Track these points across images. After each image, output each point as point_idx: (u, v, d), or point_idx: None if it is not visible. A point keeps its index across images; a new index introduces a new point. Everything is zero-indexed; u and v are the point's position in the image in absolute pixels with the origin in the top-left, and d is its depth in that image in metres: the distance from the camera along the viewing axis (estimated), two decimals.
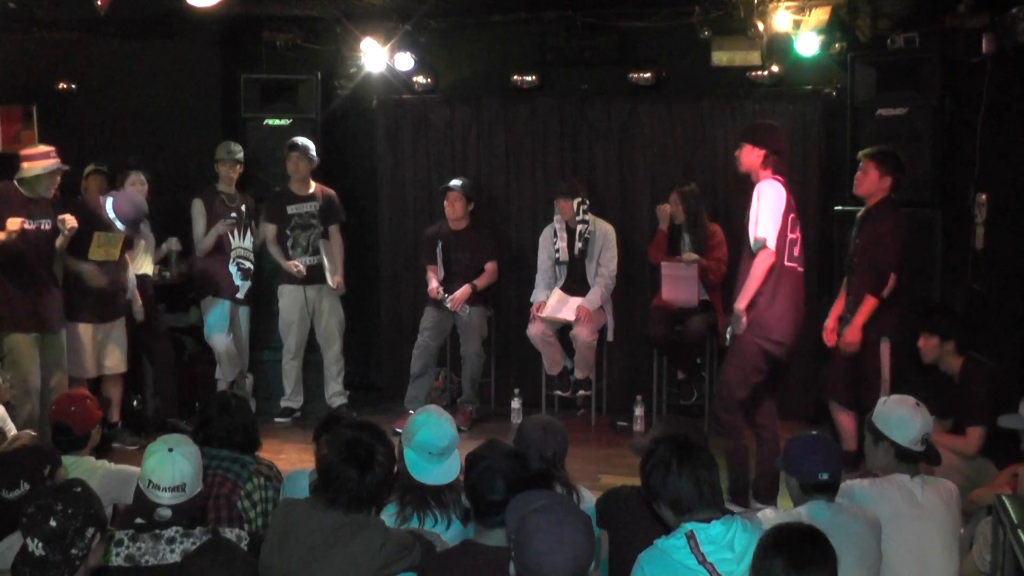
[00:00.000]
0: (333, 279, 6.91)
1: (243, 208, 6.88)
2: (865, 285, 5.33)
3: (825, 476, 3.38)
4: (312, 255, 6.93)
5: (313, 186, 6.99)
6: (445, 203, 6.94)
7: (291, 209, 6.92)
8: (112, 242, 6.07)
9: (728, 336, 5.18)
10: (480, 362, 6.99)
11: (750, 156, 5.07)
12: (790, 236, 5.05)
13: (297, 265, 6.85)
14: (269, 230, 6.96)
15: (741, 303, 5.00)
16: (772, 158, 5.05)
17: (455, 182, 6.95)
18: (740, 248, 6.82)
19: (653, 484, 2.98)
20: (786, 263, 5.04)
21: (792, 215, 5.05)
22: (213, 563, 2.67)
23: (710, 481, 2.94)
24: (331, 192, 7.07)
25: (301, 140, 6.92)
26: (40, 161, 5.66)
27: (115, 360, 6.28)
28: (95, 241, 5.97)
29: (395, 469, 3.32)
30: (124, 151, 6.75)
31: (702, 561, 2.81)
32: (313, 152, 6.90)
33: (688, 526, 2.88)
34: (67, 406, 4.21)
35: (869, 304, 5.31)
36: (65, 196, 6.50)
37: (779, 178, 5.05)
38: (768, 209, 4.97)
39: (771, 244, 4.96)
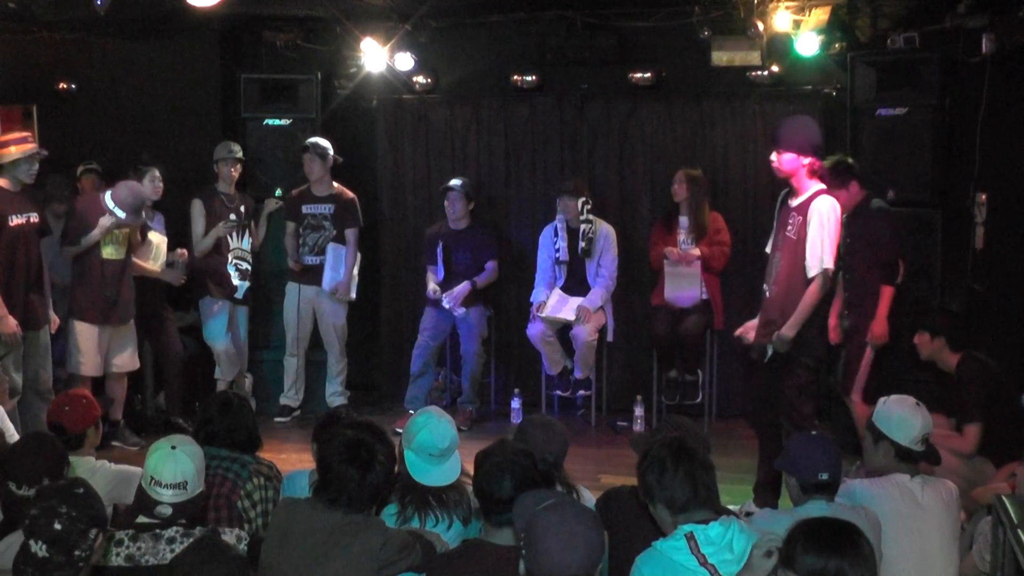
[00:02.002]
0: (331, 285, 6.88)
1: (242, 209, 6.88)
2: (878, 279, 5.42)
3: (825, 476, 3.38)
4: (318, 256, 6.93)
5: (335, 187, 6.97)
6: (445, 203, 6.94)
7: (306, 209, 6.94)
8: (118, 240, 6.08)
9: (766, 353, 5.01)
10: (480, 362, 6.99)
11: (794, 164, 4.88)
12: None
13: (297, 262, 6.88)
14: (288, 227, 6.99)
15: (791, 330, 4.84)
16: (818, 165, 4.92)
17: (455, 182, 6.94)
18: (746, 241, 6.89)
19: (649, 483, 2.98)
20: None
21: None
22: (202, 562, 2.65)
23: (706, 482, 2.94)
24: (351, 196, 7.03)
25: (313, 140, 6.89)
26: (18, 146, 5.62)
27: (125, 359, 6.30)
28: (103, 239, 6.00)
29: (396, 469, 3.33)
30: (124, 151, 6.74)
31: (703, 562, 2.81)
32: (328, 151, 6.87)
33: (687, 527, 2.88)
34: (62, 406, 4.23)
35: (888, 294, 5.40)
36: (61, 195, 6.54)
37: (829, 190, 4.96)
38: (831, 233, 4.82)
39: (831, 270, 4.84)
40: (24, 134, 5.75)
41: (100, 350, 6.13)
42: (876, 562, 2.52)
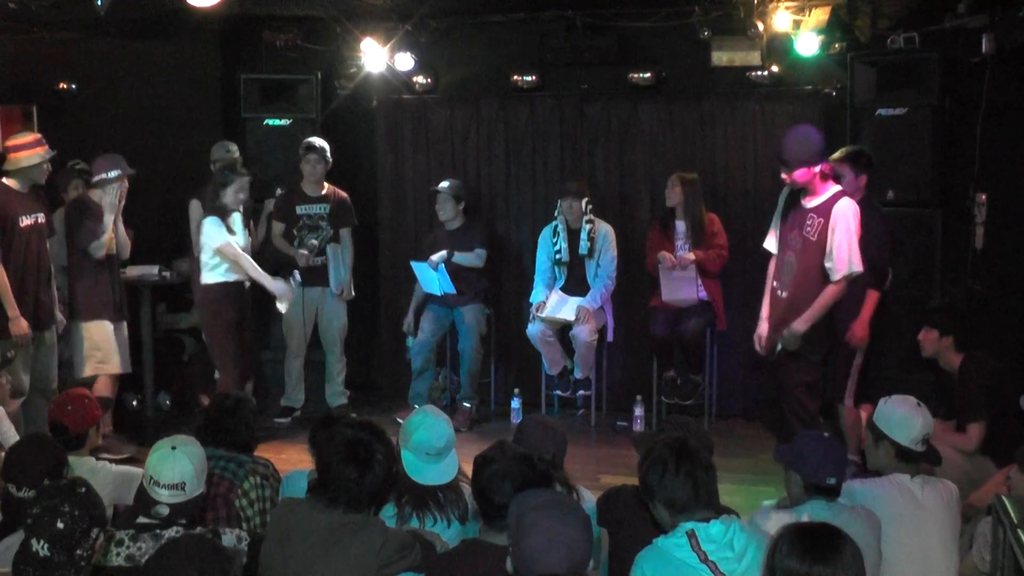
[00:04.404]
0: (338, 287, 6.90)
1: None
2: (866, 282, 5.30)
3: (832, 481, 3.38)
4: (318, 256, 6.92)
5: (326, 187, 6.96)
6: (436, 206, 6.93)
7: (300, 209, 6.90)
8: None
9: (776, 350, 5.08)
10: (479, 358, 6.96)
11: (806, 176, 4.91)
12: None
13: (305, 255, 6.78)
14: (276, 227, 6.94)
15: (801, 326, 4.89)
16: (828, 166, 5.00)
17: (443, 184, 6.92)
18: (746, 242, 6.88)
19: (650, 482, 3.00)
20: None
21: None
22: (179, 559, 2.62)
23: (707, 483, 2.95)
24: (344, 195, 7.04)
25: (318, 142, 6.85)
26: (34, 149, 5.65)
27: (124, 360, 6.31)
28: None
29: (395, 469, 3.32)
30: (124, 151, 6.73)
31: (704, 559, 2.83)
32: (329, 153, 6.88)
33: (688, 525, 2.89)
34: (63, 406, 4.22)
35: (872, 299, 5.34)
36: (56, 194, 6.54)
37: (846, 192, 4.99)
38: (855, 237, 4.84)
39: (859, 272, 4.89)
40: (37, 137, 5.76)
41: (118, 346, 6.15)
42: (863, 568, 2.51)
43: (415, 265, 6.87)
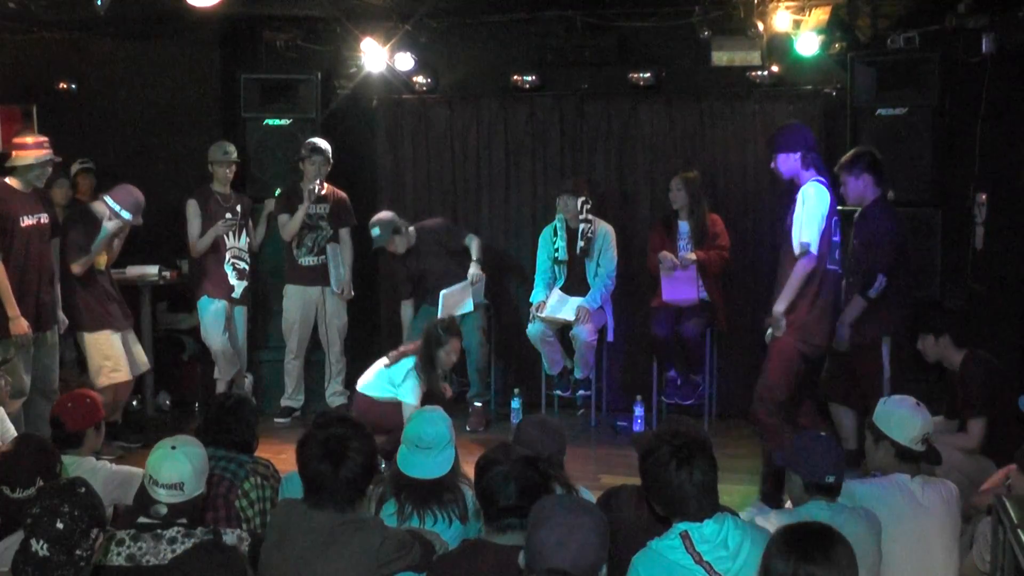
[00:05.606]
0: (339, 285, 6.90)
1: (238, 208, 6.86)
2: (855, 285, 5.34)
3: (832, 479, 3.38)
4: (318, 256, 6.93)
5: (325, 187, 6.95)
6: (388, 249, 6.81)
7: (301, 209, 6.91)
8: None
9: (767, 338, 5.28)
10: (484, 351, 6.89)
11: (787, 163, 5.17)
12: (832, 240, 5.17)
13: (313, 189, 6.75)
14: (283, 219, 6.91)
15: (780, 306, 5.11)
16: (810, 156, 5.15)
17: (376, 232, 6.71)
18: (746, 242, 6.91)
19: (650, 481, 3.00)
20: (828, 266, 5.16)
21: (835, 217, 5.18)
22: (201, 569, 2.62)
23: (707, 484, 2.95)
24: (343, 195, 7.05)
25: (323, 144, 6.84)
26: (33, 151, 5.65)
27: (143, 357, 6.38)
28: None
29: (377, 461, 3.32)
30: (124, 151, 6.75)
31: (699, 560, 2.83)
32: (330, 154, 6.89)
33: (681, 526, 2.90)
34: (65, 403, 4.25)
35: (856, 304, 5.31)
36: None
37: (823, 179, 5.16)
38: (812, 213, 5.04)
39: (814, 249, 5.04)
40: (41, 139, 5.76)
41: (126, 353, 6.16)
42: (856, 568, 2.50)
43: (446, 292, 6.68)
